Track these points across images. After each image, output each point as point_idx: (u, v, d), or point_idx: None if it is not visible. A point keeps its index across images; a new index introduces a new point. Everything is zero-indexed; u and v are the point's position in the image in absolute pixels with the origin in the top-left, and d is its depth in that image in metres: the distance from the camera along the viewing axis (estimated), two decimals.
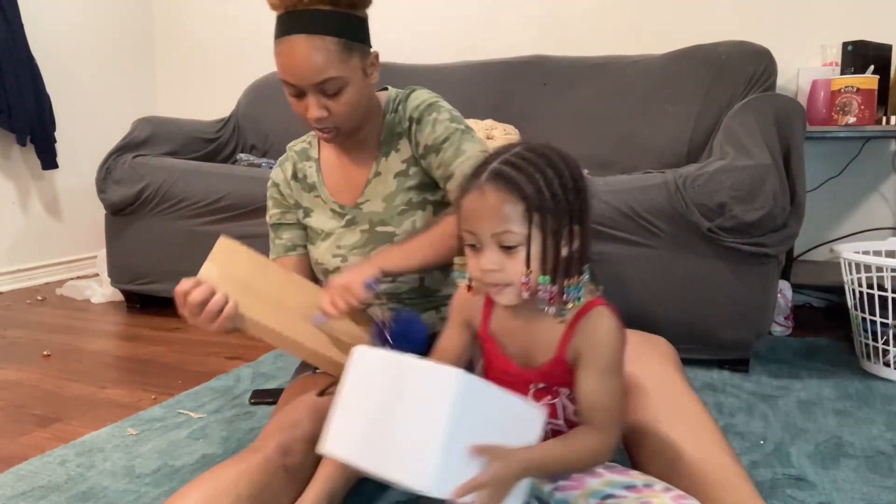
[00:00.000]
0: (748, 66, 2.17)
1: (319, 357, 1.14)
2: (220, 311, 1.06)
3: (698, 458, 0.97)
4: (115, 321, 2.34)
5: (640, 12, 2.56)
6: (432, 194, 1.26)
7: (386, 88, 1.34)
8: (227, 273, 1.13)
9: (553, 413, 0.94)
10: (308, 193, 1.32)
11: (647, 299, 1.73)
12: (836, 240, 2.35)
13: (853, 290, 1.75)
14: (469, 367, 0.99)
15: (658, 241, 1.71)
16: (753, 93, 2.08)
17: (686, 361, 1.74)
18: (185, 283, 1.07)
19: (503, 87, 2.51)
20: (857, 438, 1.35)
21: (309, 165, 1.32)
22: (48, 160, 2.85)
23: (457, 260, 0.93)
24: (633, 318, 1.71)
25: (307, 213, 1.32)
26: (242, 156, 2.69)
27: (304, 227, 1.34)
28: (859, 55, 2.11)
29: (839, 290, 1.90)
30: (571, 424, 0.94)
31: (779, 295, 1.91)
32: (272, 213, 1.35)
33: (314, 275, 1.36)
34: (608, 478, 0.93)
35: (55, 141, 2.87)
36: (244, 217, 2.17)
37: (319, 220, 1.30)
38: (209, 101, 3.30)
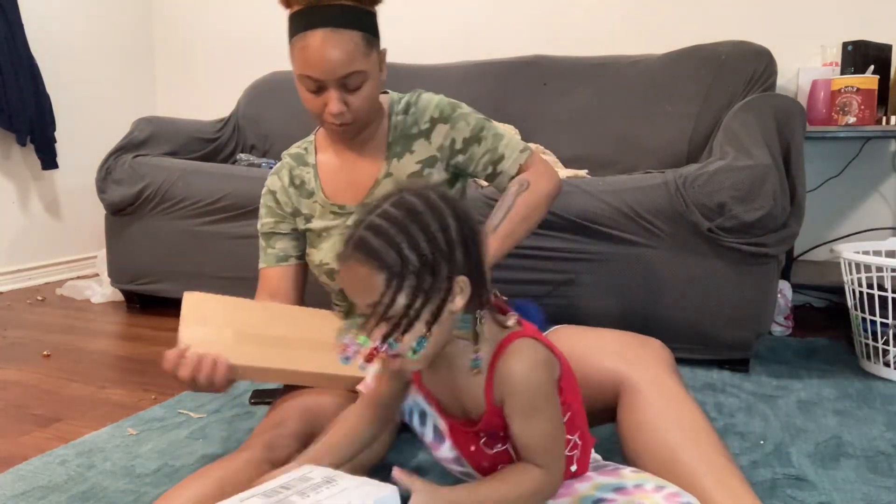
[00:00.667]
0: (748, 66, 2.17)
1: (330, 378, 1.13)
2: (215, 374, 1.03)
3: (694, 460, 0.97)
4: (115, 321, 2.34)
5: (640, 12, 2.56)
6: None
7: (385, 92, 1.34)
8: (205, 329, 1.09)
9: (507, 458, 0.91)
10: (307, 199, 1.31)
11: (647, 299, 1.73)
12: (836, 240, 2.35)
13: (853, 290, 1.75)
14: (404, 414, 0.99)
15: (658, 241, 1.71)
16: (753, 93, 2.08)
17: (686, 361, 1.75)
18: (170, 358, 1.03)
19: (503, 87, 2.51)
20: (857, 438, 1.35)
21: (306, 171, 1.32)
22: (48, 160, 2.85)
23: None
24: (632, 318, 1.73)
25: (308, 218, 1.31)
26: (242, 156, 2.69)
27: (298, 238, 1.33)
28: (859, 55, 2.11)
29: (839, 290, 1.90)
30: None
31: (779, 295, 1.91)
32: (265, 222, 1.34)
33: (303, 287, 1.35)
34: (597, 481, 0.92)
35: (55, 141, 2.87)
36: (244, 217, 2.17)
37: (320, 223, 1.30)
38: (209, 101, 3.30)
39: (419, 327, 0.80)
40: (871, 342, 1.70)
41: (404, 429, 1.15)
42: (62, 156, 2.94)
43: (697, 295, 1.70)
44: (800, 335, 2.04)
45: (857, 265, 1.74)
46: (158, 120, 2.58)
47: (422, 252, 0.78)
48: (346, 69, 1.12)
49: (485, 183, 2.14)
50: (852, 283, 1.75)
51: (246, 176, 2.22)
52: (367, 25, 1.14)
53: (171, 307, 2.44)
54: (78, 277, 3.01)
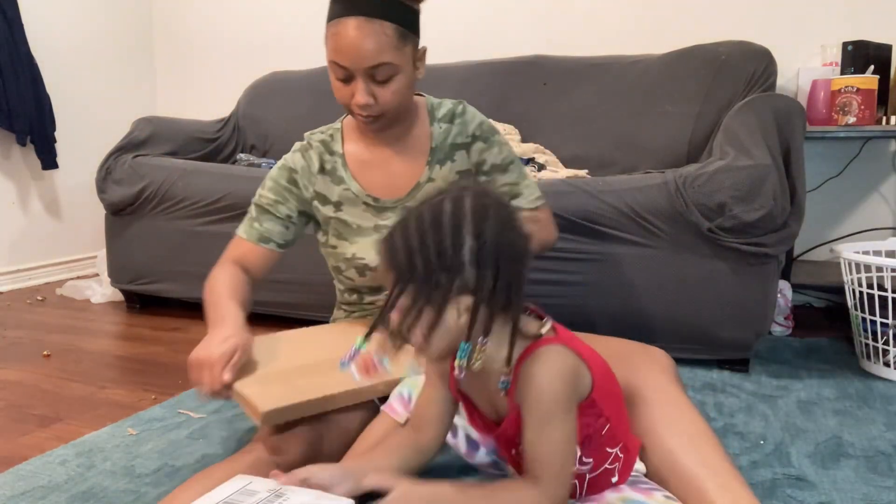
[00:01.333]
0: (748, 66, 2.16)
1: (363, 392, 1.10)
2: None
3: (696, 465, 0.97)
4: (115, 321, 2.34)
5: (640, 12, 2.56)
6: None
7: (420, 94, 1.33)
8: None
9: None
10: (337, 187, 1.29)
11: (647, 299, 1.73)
12: (836, 240, 2.35)
13: (853, 290, 1.75)
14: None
15: (658, 241, 1.71)
16: (753, 93, 2.08)
17: (686, 361, 1.75)
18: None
19: (503, 87, 2.51)
20: (857, 438, 1.35)
21: (334, 160, 1.30)
22: (48, 160, 2.85)
23: None
24: (632, 319, 1.73)
25: (337, 206, 1.30)
26: (242, 156, 2.69)
27: (288, 226, 1.31)
28: (859, 55, 2.11)
29: (839, 290, 1.90)
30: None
31: (779, 295, 1.91)
32: (265, 195, 1.31)
33: (268, 272, 1.32)
34: (626, 494, 0.93)
35: (55, 141, 2.87)
36: (244, 217, 2.16)
37: (352, 214, 1.29)
38: (209, 101, 3.30)
39: (417, 333, 0.81)
40: (871, 342, 1.70)
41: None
42: (62, 156, 2.94)
43: (697, 295, 1.70)
44: (800, 335, 2.04)
45: (857, 265, 1.74)
46: (158, 120, 2.58)
47: (429, 263, 0.79)
48: (375, 59, 1.11)
49: None
50: (852, 283, 1.75)
51: (246, 176, 2.22)
52: (403, 19, 1.14)
53: (171, 307, 2.44)
54: (78, 277, 3.01)
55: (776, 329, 2.04)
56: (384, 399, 1.20)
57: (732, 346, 1.71)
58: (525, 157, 2.16)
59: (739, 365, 1.75)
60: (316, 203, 1.30)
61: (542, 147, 2.30)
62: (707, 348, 1.74)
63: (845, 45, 2.14)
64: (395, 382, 1.13)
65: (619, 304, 1.76)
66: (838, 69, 2.17)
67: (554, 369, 0.83)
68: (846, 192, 2.37)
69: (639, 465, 1.01)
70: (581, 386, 0.86)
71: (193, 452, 1.31)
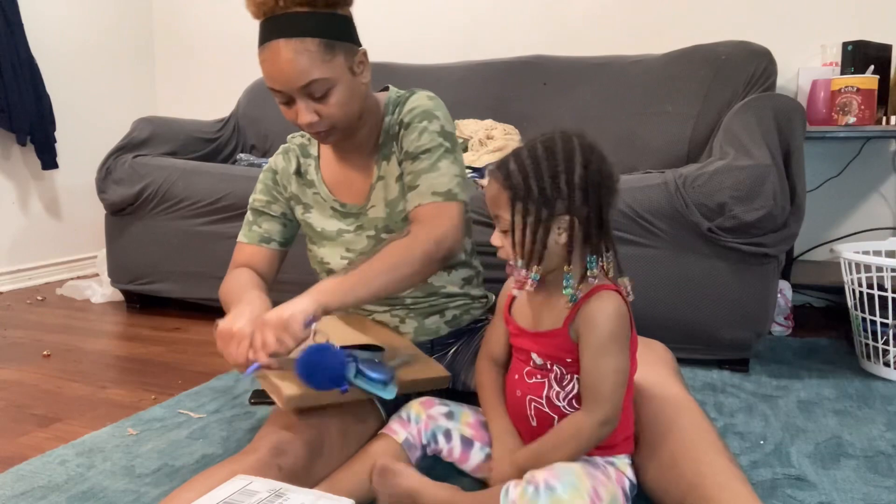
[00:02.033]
0: (748, 66, 2.17)
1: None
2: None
3: (697, 462, 0.97)
4: (114, 321, 2.34)
5: (640, 12, 2.57)
6: None
7: (387, 88, 1.33)
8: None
9: (539, 391, 1.02)
10: (308, 189, 1.31)
11: (647, 299, 1.73)
12: (836, 240, 2.35)
13: (853, 290, 1.75)
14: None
15: (658, 241, 1.71)
16: (753, 93, 2.08)
17: (686, 361, 1.75)
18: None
19: (503, 87, 2.51)
20: (857, 438, 1.35)
21: (308, 163, 1.32)
22: (48, 160, 2.85)
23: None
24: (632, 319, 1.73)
25: (307, 209, 1.31)
26: (242, 156, 2.69)
27: (285, 224, 1.33)
28: (859, 55, 2.11)
29: (839, 290, 1.90)
30: (550, 403, 1.01)
31: (779, 295, 1.91)
32: (258, 198, 1.33)
33: (276, 272, 1.34)
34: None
35: (55, 141, 2.87)
36: (244, 217, 2.16)
37: (320, 218, 1.30)
38: (209, 101, 3.31)
39: (536, 249, 0.94)
40: (871, 342, 1.70)
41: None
42: (62, 156, 2.94)
43: (698, 295, 1.70)
44: (800, 335, 2.04)
45: (857, 265, 1.74)
46: (158, 120, 2.58)
47: (542, 185, 0.93)
48: (305, 78, 1.09)
49: (484, 182, 2.15)
50: (852, 283, 1.75)
51: (246, 176, 2.22)
52: (326, 30, 1.10)
53: (171, 307, 2.44)
54: (78, 277, 3.02)
55: (776, 329, 2.04)
56: (384, 401, 1.21)
57: (732, 346, 1.71)
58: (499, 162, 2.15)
59: (739, 365, 1.75)
60: (292, 203, 1.32)
61: None
62: (707, 348, 1.74)
63: (845, 45, 2.15)
64: (414, 379, 1.11)
65: None
66: (838, 69, 2.17)
67: (615, 309, 0.95)
68: (846, 192, 2.37)
69: (628, 478, 1.03)
70: (629, 332, 0.98)
71: (193, 452, 1.31)
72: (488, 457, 1.09)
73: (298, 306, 1.00)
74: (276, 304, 1.03)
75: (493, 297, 1.45)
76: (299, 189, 1.32)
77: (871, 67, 2.09)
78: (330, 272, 1.29)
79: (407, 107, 1.23)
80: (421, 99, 1.24)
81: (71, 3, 3.05)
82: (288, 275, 1.94)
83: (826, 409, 1.50)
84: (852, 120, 2.03)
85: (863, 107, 2.02)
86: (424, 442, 1.11)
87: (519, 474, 0.97)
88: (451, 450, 1.12)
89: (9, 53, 2.64)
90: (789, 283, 2.06)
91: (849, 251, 1.75)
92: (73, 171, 3.03)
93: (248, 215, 1.34)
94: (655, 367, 1.15)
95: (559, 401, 1.00)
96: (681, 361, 1.51)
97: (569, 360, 0.98)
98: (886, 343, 1.68)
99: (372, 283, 1.07)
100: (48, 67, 2.87)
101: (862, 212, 2.37)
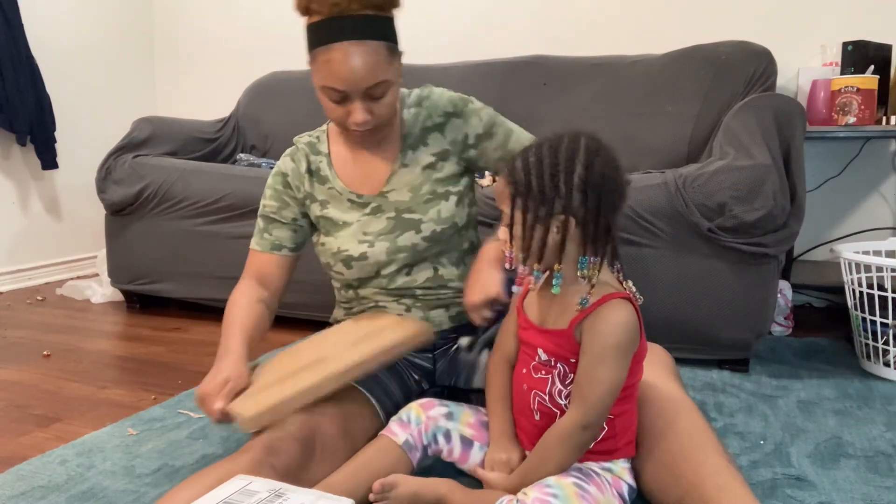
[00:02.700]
0: (748, 66, 2.17)
1: (346, 372, 1.12)
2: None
3: (696, 463, 0.97)
4: (115, 321, 2.34)
5: (640, 12, 2.57)
6: (454, 186, 1.30)
7: None
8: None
9: (543, 386, 1.02)
10: (322, 186, 1.32)
11: (646, 299, 1.73)
12: (836, 240, 2.35)
13: (853, 290, 1.75)
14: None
15: (658, 241, 1.71)
16: (753, 93, 2.08)
17: (686, 361, 1.75)
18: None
19: (503, 87, 2.51)
20: (857, 438, 1.35)
21: (319, 160, 1.32)
22: (48, 160, 2.85)
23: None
24: (643, 327, 1.73)
25: (324, 205, 1.31)
26: (242, 156, 2.69)
27: (296, 230, 1.33)
28: (859, 55, 2.11)
29: (839, 290, 1.90)
30: (553, 399, 1.01)
31: (779, 295, 1.91)
32: (268, 205, 1.33)
33: (290, 276, 1.35)
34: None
35: (55, 141, 2.87)
36: (244, 217, 2.17)
37: (338, 212, 1.30)
38: (209, 101, 3.31)
39: (534, 246, 0.95)
40: (871, 342, 1.70)
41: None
42: (62, 156, 2.94)
43: (697, 295, 1.70)
44: (800, 335, 2.04)
45: (857, 265, 1.74)
46: (158, 120, 2.58)
47: (542, 183, 0.94)
48: (372, 80, 1.12)
49: (484, 182, 2.15)
50: (852, 283, 1.75)
51: (246, 176, 2.22)
52: (389, 34, 1.14)
53: (171, 307, 2.44)
54: (78, 277, 3.02)
55: (776, 329, 2.04)
56: (384, 403, 1.21)
57: (732, 346, 1.71)
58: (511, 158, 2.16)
59: (739, 365, 1.75)
60: (307, 202, 1.32)
61: None
62: (707, 348, 1.74)
63: (845, 45, 2.14)
64: (370, 365, 1.14)
65: None
66: (838, 69, 2.17)
67: (622, 319, 0.95)
68: (846, 192, 2.37)
69: (626, 482, 1.03)
70: (635, 345, 0.98)
71: (193, 452, 1.31)
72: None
73: (493, 277, 1.17)
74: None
75: None
76: (313, 187, 1.32)
77: (871, 67, 2.09)
78: (348, 259, 1.28)
79: (440, 101, 1.30)
80: (444, 91, 1.32)
81: (71, 3, 3.05)
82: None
83: (826, 409, 1.50)
84: (852, 120, 2.03)
85: (863, 107, 2.02)
86: (425, 443, 1.11)
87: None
88: (451, 450, 1.12)
89: (9, 53, 2.64)
90: (789, 283, 2.06)
91: (849, 251, 1.75)
92: (73, 171, 3.03)
93: (259, 222, 1.35)
94: (654, 369, 1.15)
95: (561, 398, 1.00)
96: (681, 361, 1.51)
97: (572, 359, 0.98)
98: (886, 343, 1.68)
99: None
100: (48, 67, 2.87)
101: (862, 212, 2.37)
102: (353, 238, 1.28)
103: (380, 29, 1.12)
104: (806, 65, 2.31)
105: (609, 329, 0.94)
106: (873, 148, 2.32)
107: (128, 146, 2.41)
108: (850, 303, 1.77)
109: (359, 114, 1.15)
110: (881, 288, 1.67)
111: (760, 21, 2.40)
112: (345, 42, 1.10)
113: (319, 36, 1.12)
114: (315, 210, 1.32)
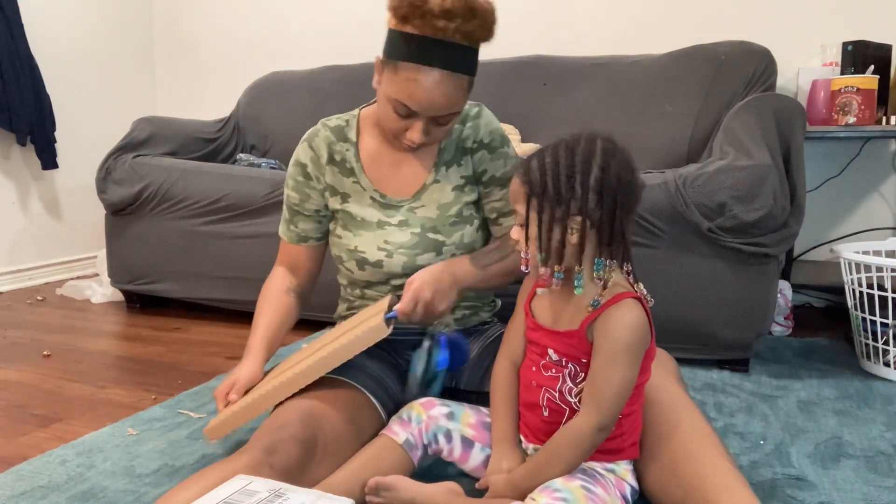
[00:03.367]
0: (748, 66, 2.17)
1: (310, 373, 1.13)
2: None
3: (698, 464, 0.97)
4: (114, 321, 2.34)
5: (640, 12, 2.57)
6: (477, 211, 1.31)
7: None
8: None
9: (553, 384, 1.02)
10: (347, 178, 1.29)
11: None
12: (836, 240, 2.35)
13: (853, 290, 1.75)
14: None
15: (658, 241, 1.71)
16: (753, 93, 2.08)
17: (686, 361, 1.75)
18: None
19: (503, 87, 2.51)
20: (857, 438, 1.35)
21: (346, 148, 1.29)
22: (48, 160, 2.85)
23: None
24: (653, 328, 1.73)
25: (345, 198, 1.30)
26: (242, 156, 2.69)
27: (321, 220, 1.33)
28: (859, 55, 2.11)
29: (839, 290, 1.90)
30: (563, 397, 1.01)
31: (779, 295, 1.91)
32: (291, 196, 1.33)
33: (321, 261, 1.38)
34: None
35: (55, 141, 2.87)
36: (244, 217, 2.17)
37: (359, 207, 1.29)
38: (209, 101, 3.31)
39: (553, 247, 0.95)
40: (871, 342, 1.70)
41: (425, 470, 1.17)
42: (62, 156, 2.94)
43: (697, 295, 1.70)
44: (800, 335, 2.04)
45: (857, 265, 1.74)
46: (158, 120, 2.58)
47: (558, 184, 0.94)
48: (447, 110, 1.13)
49: None
50: (852, 283, 1.75)
51: (246, 176, 2.22)
52: (475, 69, 1.15)
53: (171, 307, 2.44)
54: (78, 277, 3.02)
55: (776, 329, 2.04)
56: (384, 404, 1.21)
57: (732, 346, 1.71)
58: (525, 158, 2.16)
59: (739, 365, 1.75)
60: (326, 194, 1.31)
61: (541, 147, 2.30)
62: (707, 348, 1.74)
63: (845, 45, 2.15)
64: (329, 366, 1.14)
65: None
66: (838, 69, 2.17)
67: (633, 319, 0.95)
68: (846, 192, 2.37)
69: (629, 483, 1.03)
70: (646, 343, 0.98)
71: (193, 452, 1.31)
72: (489, 458, 1.09)
73: (447, 284, 1.19)
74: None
75: (500, 302, 1.46)
76: (334, 178, 1.29)
77: (871, 67, 2.09)
78: (363, 261, 1.27)
79: (485, 126, 1.28)
80: (491, 117, 1.30)
81: (71, 3, 3.05)
82: None
83: (826, 409, 1.50)
84: (852, 120, 2.03)
85: (863, 107, 2.02)
86: (425, 442, 1.11)
87: (516, 494, 0.97)
88: (452, 450, 1.12)
89: (9, 53, 2.64)
90: (789, 283, 2.06)
91: (849, 251, 1.75)
92: (73, 171, 3.03)
93: (285, 212, 1.35)
94: (658, 371, 1.16)
95: (571, 396, 1.00)
96: (681, 361, 1.51)
97: (584, 360, 0.98)
98: (886, 343, 1.68)
99: (492, 280, 1.27)
100: (48, 67, 2.87)
101: (862, 212, 2.37)
102: (372, 243, 1.27)
103: (470, 63, 1.12)
104: (806, 65, 2.32)
105: (621, 329, 0.95)
106: (873, 148, 2.32)
107: (128, 146, 2.41)
108: (850, 303, 1.77)
109: (418, 134, 1.15)
110: (881, 288, 1.67)
111: (760, 21, 2.40)
112: (437, 69, 1.09)
113: (411, 51, 1.09)
114: (335, 203, 1.31)
